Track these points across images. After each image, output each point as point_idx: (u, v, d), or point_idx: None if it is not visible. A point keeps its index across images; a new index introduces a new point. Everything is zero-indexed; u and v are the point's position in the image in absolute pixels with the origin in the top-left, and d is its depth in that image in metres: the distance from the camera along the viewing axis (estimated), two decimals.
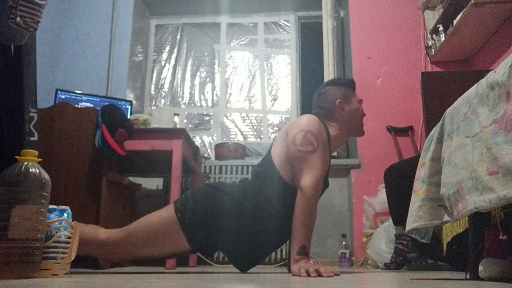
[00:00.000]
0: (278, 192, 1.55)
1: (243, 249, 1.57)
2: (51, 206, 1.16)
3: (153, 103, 3.80)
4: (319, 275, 1.26)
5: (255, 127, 3.68)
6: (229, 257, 1.61)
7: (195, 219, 1.51)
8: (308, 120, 1.56)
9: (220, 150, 3.20)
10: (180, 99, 3.79)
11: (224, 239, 1.55)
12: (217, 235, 1.54)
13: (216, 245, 1.58)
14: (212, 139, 3.54)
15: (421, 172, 1.27)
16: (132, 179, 2.71)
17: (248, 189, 1.58)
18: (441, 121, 1.23)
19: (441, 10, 2.86)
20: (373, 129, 3.04)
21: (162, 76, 3.85)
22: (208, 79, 3.83)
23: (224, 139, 3.57)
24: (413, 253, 1.99)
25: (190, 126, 3.70)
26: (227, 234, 1.54)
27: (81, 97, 2.70)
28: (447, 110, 1.21)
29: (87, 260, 1.88)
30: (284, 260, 2.93)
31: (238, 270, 1.67)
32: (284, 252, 2.96)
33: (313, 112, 1.72)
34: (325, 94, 1.73)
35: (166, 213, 1.54)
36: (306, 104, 3.73)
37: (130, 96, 3.46)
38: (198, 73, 3.85)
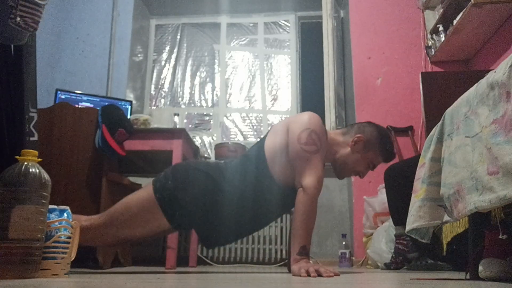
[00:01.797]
0: (260, 182, 1.56)
1: (213, 227, 1.58)
2: (51, 206, 1.16)
3: (153, 103, 3.80)
4: (319, 275, 1.26)
5: (255, 127, 3.68)
6: (198, 234, 1.61)
7: (174, 198, 1.52)
8: (312, 119, 1.56)
9: (220, 150, 3.19)
10: (180, 99, 3.79)
11: (200, 218, 1.56)
12: (194, 213, 1.55)
13: (193, 223, 1.58)
14: (212, 139, 3.54)
15: (421, 172, 1.27)
16: (132, 179, 2.71)
17: (230, 171, 1.60)
18: (441, 121, 1.23)
19: (441, 10, 2.86)
20: None
21: (162, 76, 3.85)
22: (208, 79, 3.83)
23: (224, 139, 3.57)
24: (413, 253, 1.99)
25: (190, 126, 3.70)
26: (204, 214, 1.55)
27: (81, 97, 2.70)
28: (447, 110, 1.20)
29: (87, 260, 1.89)
30: (284, 260, 2.93)
31: (237, 270, 1.67)
32: (284, 252, 2.96)
33: (344, 127, 1.70)
34: (367, 126, 1.68)
35: (145, 192, 1.55)
36: (306, 104, 3.73)
37: (130, 96, 3.45)
38: (198, 73, 3.85)
